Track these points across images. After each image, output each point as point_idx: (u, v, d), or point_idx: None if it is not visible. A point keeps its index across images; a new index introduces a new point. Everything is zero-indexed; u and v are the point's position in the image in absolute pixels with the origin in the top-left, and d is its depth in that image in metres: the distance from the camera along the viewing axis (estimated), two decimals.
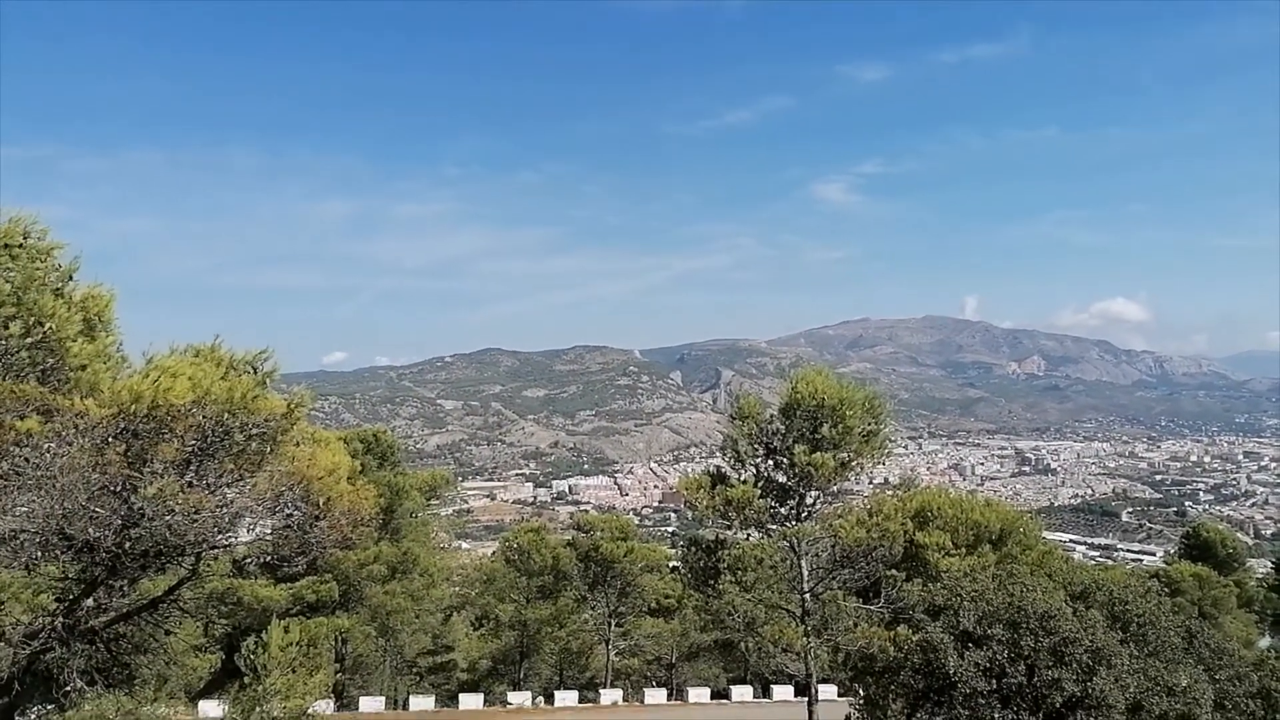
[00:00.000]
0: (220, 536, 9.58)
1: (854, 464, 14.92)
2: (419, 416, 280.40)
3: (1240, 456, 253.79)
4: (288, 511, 9.75)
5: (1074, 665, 11.34)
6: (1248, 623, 39.29)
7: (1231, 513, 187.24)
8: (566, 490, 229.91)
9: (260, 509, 9.48)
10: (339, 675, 30.73)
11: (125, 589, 10.10)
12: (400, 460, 38.55)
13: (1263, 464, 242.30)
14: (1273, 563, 49.05)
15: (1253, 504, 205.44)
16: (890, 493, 21.17)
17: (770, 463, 15.52)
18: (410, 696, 33.07)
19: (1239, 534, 71.26)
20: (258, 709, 14.07)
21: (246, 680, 13.93)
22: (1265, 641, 38.60)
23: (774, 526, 15.43)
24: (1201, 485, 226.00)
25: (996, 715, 11.68)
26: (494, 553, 51.09)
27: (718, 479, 15.60)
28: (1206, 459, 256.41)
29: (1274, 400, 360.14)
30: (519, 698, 33.87)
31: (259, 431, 9.17)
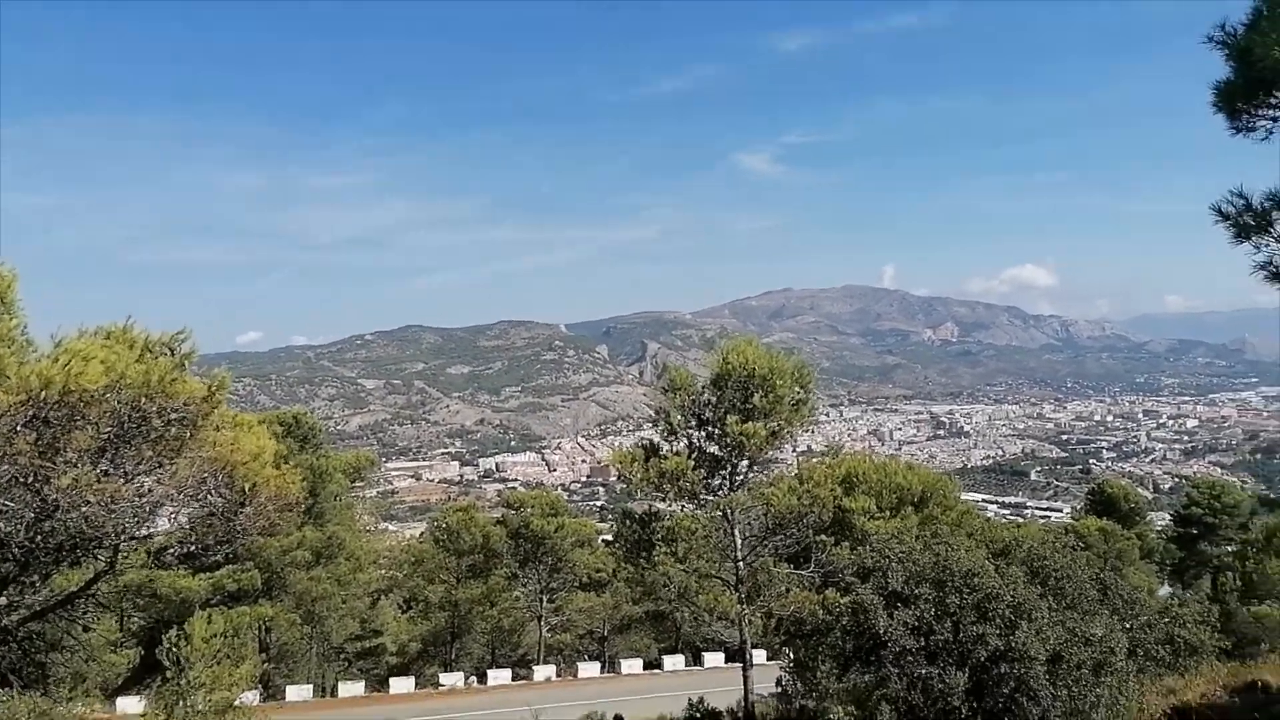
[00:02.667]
0: (139, 527, 9.19)
1: (784, 433, 15.15)
2: (339, 397, 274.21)
3: (1140, 415, 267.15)
4: (211, 499, 9.39)
5: (997, 620, 11.77)
6: (1149, 573, 41.50)
7: (1132, 469, 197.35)
8: (494, 468, 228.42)
9: (181, 497, 9.11)
10: (265, 665, 30.00)
11: (39, 585, 9.61)
12: (322, 443, 37.71)
13: (1161, 422, 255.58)
14: (1171, 515, 51.80)
15: (1152, 460, 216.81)
16: (817, 460, 21.66)
17: (702, 434, 15.64)
18: (339, 683, 32.50)
19: (1140, 489, 75.04)
20: (181, 703, 13.64)
21: (169, 674, 13.47)
22: (1165, 590, 40.76)
23: (708, 497, 15.60)
24: (1105, 443, 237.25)
25: (924, 671, 12.05)
26: (422, 534, 50.46)
27: (651, 451, 15.67)
28: (1109, 418, 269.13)
29: (1171, 360, 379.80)
30: (451, 679, 33.66)
31: (178, 416, 8.79)
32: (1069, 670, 11.39)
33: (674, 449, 15.65)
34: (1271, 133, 6.79)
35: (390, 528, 77.32)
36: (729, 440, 14.88)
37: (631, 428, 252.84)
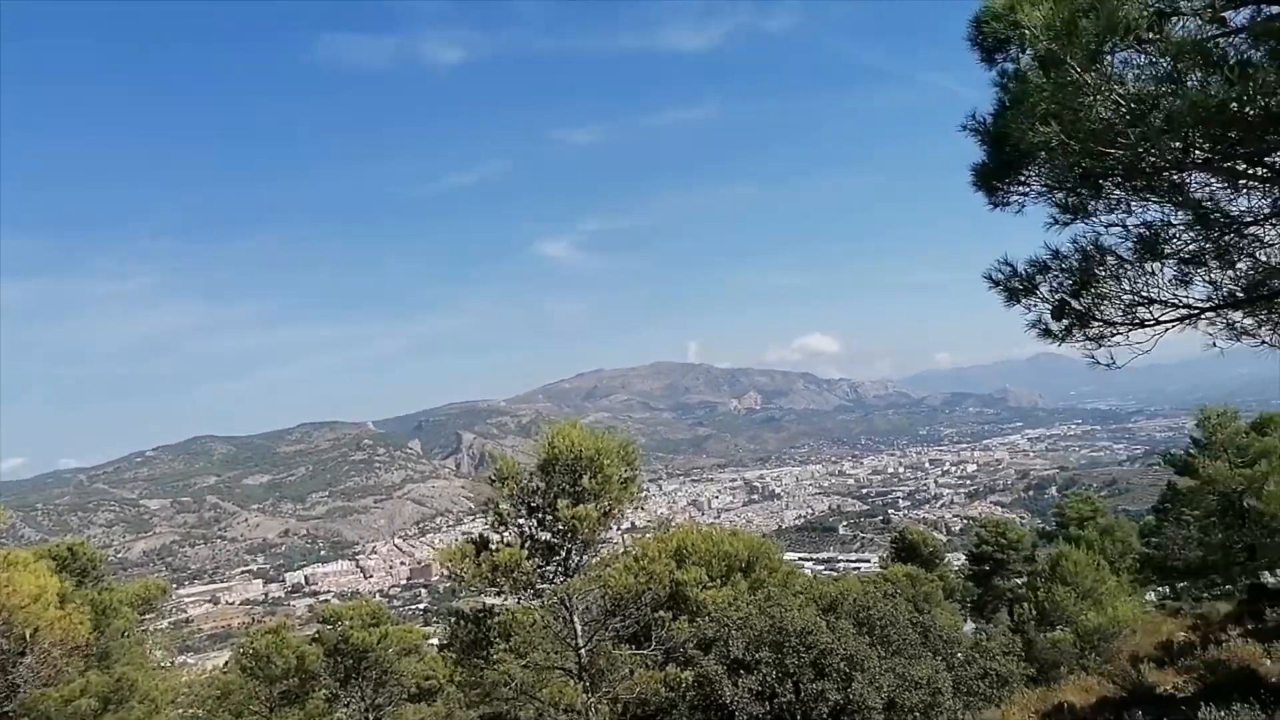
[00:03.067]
0: None
1: (615, 512, 15.19)
2: (119, 521, 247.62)
3: (927, 464, 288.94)
4: None
5: (834, 675, 12.21)
6: (953, 611, 44.21)
7: (926, 515, 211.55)
8: (303, 581, 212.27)
9: None
10: None
11: None
12: (104, 574, 33.95)
13: (945, 469, 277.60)
14: (965, 555, 55.79)
15: (941, 505, 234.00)
16: (650, 535, 21.82)
17: (533, 521, 15.38)
18: None
19: (935, 533, 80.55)
20: None
21: None
22: (969, 626, 43.46)
23: (544, 586, 15.28)
24: (899, 493, 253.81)
25: None
26: (226, 663, 45.85)
27: (481, 545, 15.20)
28: (901, 469, 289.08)
29: (947, 412, 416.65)
30: None
31: None
32: (903, 714, 11.95)
33: (505, 540, 15.28)
34: (1024, 207, 7.81)
35: (188, 660, 69.84)
36: (561, 525, 14.73)
37: (452, 522, 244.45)
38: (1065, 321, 7.55)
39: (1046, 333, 7.68)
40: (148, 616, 37.73)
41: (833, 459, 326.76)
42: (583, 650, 15.50)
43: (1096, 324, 7.42)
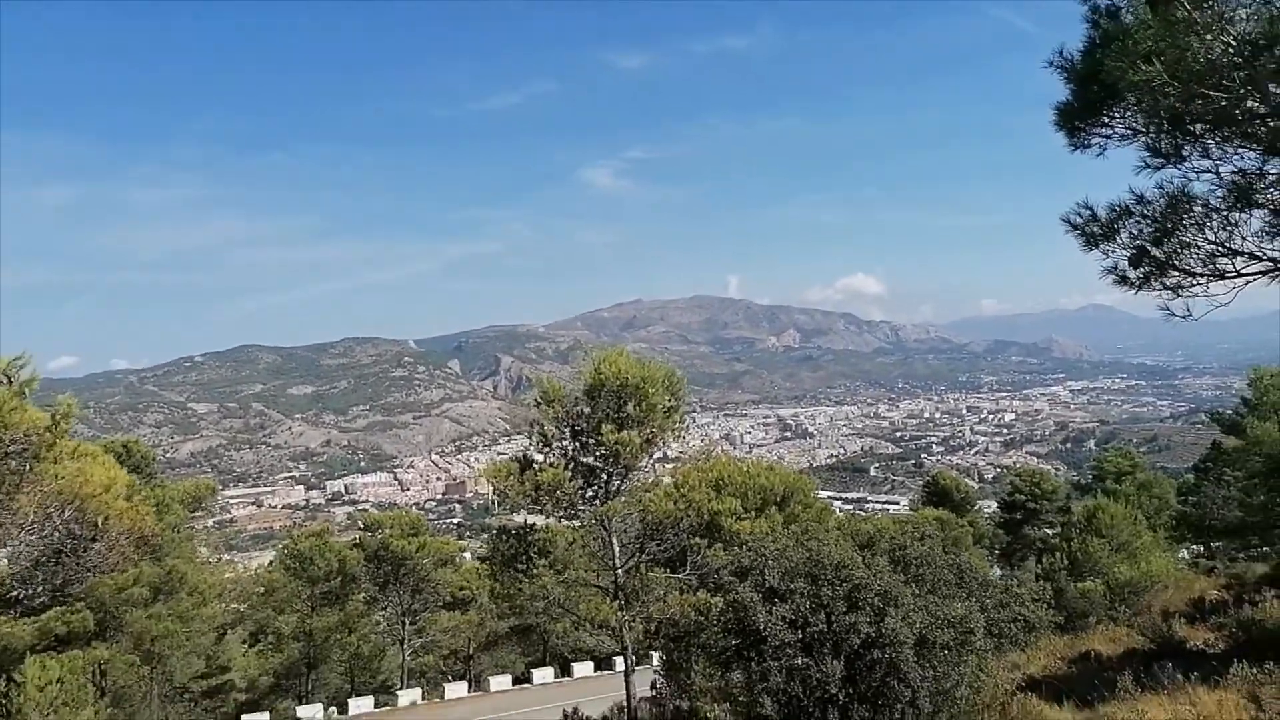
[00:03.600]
0: None
1: (657, 439, 15.38)
2: (167, 423, 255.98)
3: (964, 411, 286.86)
4: (57, 535, 8.59)
5: (867, 609, 12.37)
6: (981, 557, 44.49)
7: (959, 461, 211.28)
8: (342, 490, 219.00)
9: (23, 535, 8.29)
10: (107, 709, 27.58)
11: None
12: (155, 472, 35.42)
13: (982, 416, 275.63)
14: (997, 503, 55.80)
15: (976, 452, 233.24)
16: (689, 465, 22.09)
17: (576, 444, 15.62)
18: None
19: (967, 480, 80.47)
20: None
21: None
22: (996, 571, 43.66)
23: (584, 507, 15.60)
24: (934, 439, 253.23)
25: (802, 661, 12.50)
26: (271, 562, 47.89)
27: (525, 464, 15.52)
28: (937, 415, 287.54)
29: (989, 360, 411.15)
30: (308, 711, 32.06)
31: (18, 449, 8.00)
32: (934, 651, 12.10)
33: (549, 461, 15.56)
34: (1105, 150, 7.53)
35: (232, 558, 72.90)
36: (604, 450, 14.95)
37: (488, 442, 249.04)
38: (1143, 269, 7.34)
39: (1123, 280, 7.48)
40: (196, 514, 39.38)
41: (869, 401, 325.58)
42: (619, 570, 15.89)
43: (1175, 273, 7.21)
